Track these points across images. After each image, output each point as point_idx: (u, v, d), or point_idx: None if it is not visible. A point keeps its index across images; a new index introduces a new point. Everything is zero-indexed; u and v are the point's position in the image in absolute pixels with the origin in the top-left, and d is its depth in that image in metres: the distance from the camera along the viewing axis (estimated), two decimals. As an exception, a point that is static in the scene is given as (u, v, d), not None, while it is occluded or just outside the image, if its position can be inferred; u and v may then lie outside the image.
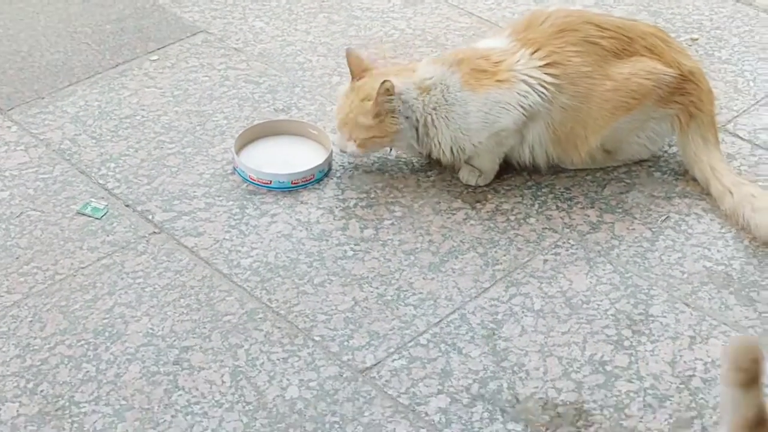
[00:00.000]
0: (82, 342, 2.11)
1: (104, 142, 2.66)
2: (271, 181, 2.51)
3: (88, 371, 2.04)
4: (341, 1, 3.28)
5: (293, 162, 2.56)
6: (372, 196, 2.51)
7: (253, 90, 2.86)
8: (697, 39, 3.11)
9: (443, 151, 2.50)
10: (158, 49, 3.04)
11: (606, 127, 2.47)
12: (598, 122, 2.46)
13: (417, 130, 2.47)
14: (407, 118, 2.45)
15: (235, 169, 2.56)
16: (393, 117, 2.43)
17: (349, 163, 2.61)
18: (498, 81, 2.42)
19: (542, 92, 2.42)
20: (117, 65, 2.96)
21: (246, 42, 3.07)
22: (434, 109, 2.45)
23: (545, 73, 2.42)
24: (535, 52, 2.44)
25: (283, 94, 2.85)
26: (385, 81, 2.37)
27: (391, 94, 2.39)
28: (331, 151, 2.58)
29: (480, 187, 2.53)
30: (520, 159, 2.55)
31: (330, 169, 2.59)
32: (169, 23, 3.16)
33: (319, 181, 2.54)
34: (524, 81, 2.41)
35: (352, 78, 2.52)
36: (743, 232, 2.38)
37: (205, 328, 2.14)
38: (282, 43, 3.05)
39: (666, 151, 2.65)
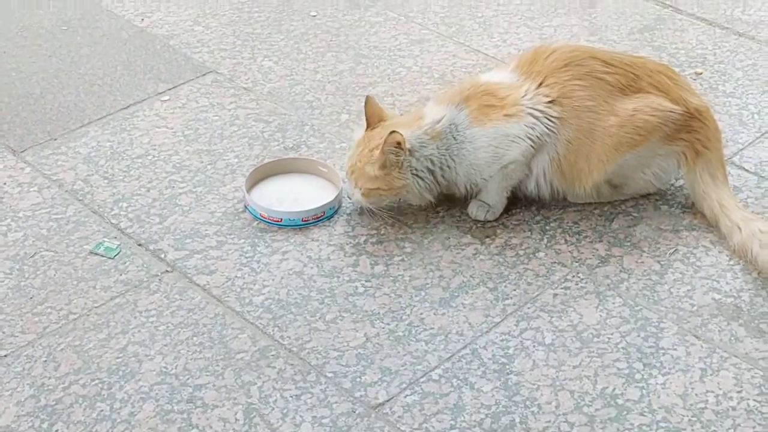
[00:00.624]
0: (96, 381, 2.10)
1: (116, 182, 2.67)
2: (281, 219, 2.52)
3: (102, 410, 2.04)
4: (348, 40, 3.30)
5: (303, 200, 2.57)
6: (382, 232, 2.51)
7: (262, 129, 2.87)
8: (701, 73, 3.12)
9: (458, 189, 2.52)
10: (169, 89, 3.05)
11: (610, 163, 2.46)
12: (602, 157, 2.46)
13: (434, 174, 2.47)
14: (426, 169, 2.45)
15: (246, 207, 2.57)
16: (400, 171, 2.42)
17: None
18: (506, 115, 2.43)
19: (548, 124, 2.43)
20: (128, 106, 2.98)
21: (255, 81, 3.09)
22: (447, 149, 2.46)
23: (551, 108, 2.43)
24: (540, 85, 2.45)
25: (293, 132, 2.86)
26: (393, 132, 2.37)
27: (400, 147, 2.39)
28: (341, 189, 2.59)
29: (489, 222, 2.54)
30: (527, 192, 2.56)
31: (340, 207, 2.59)
32: (180, 64, 3.18)
33: (329, 218, 2.55)
34: (531, 114, 2.43)
35: (367, 126, 2.52)
36: (751, 265, 2.38)
37: (218, 365, 2.14)
38: (291, 82, 3.07)
39: (673, 185, 2.65)
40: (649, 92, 2.47)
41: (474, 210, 2.55)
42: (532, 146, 2.44)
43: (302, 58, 3.21)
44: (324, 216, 2.54)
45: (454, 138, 2.45)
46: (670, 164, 2.55)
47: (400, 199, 2.54)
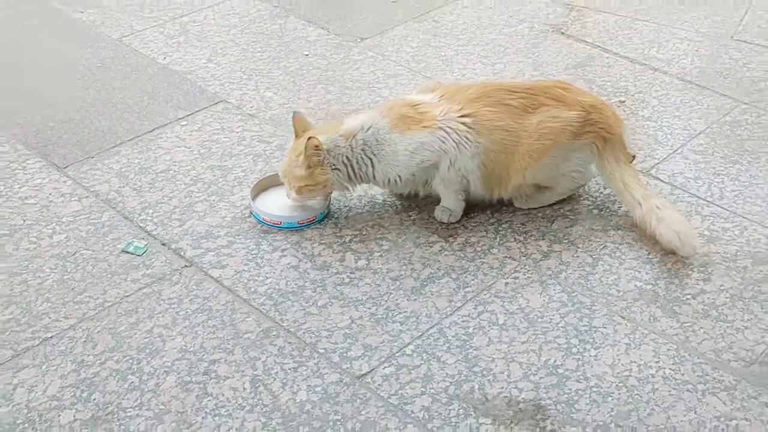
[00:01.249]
0: (128, 358, 2.08)
1: (144, 192, 2.65)
2: (281, 222, 2.50)
3: (132, 382, 2.02)
4: (335, 75, 3.28)
5: (299, 206, 2.55)
6: (364, 233, 2.50)
7: (265, 148, 2.85)
8: (624, 101, 3.12)
9: (377, 182, 2.49)
10: (187, 115, 3.03)
11: (528, 169, 2.44)
12: (520, 165, 2.43)
13: (351, 169, 2.45)
14: (342, 164, 2.43)
15: (251, 213, 2.55)
16: (322, 168, 2.41)
17: (345, 206, 2.60)
18: (423, 127, 2.41)
19: (459, 138, 2.40)
20: (153, 129, 2.95)
21: (258, 109, 3.07)
22: (362, 149, 2.43)
23: (461, 123, 2.41)
24: (454, 108, 2.43)
25: (290, 150, 2.84)
26: (311, 138, 2.38)
27: (319, 149, 2.39)
28: (330, 197, 2.58)
29: (452, 223, 2.52)
30: (477, 197, 2.54)
31: (329, 212, 2.58)
32: (195, 95, 3.15)
33: (320, 221, 2.53)
34: (442, 128, 2.41)
35: (295, 137, 2.51)
36: (666, 256, 2.39)
37: (228, 344, 2.12)
38: (288, 109, 3.04)
39: (602, 192, 2.65)
40: (549, 105, 2.46)
41: (438, 214, 2.54)
42: (446, 155, 2.41)
43: (297, 90, 3.19)
44: (316, 219, 2.52)
45: (376, 140, 2.42)
46: (586, 155, 2.51)
47: (329, 192, 2.52)
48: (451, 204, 2.52)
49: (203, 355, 2.09)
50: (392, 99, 2.62)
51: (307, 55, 3.42)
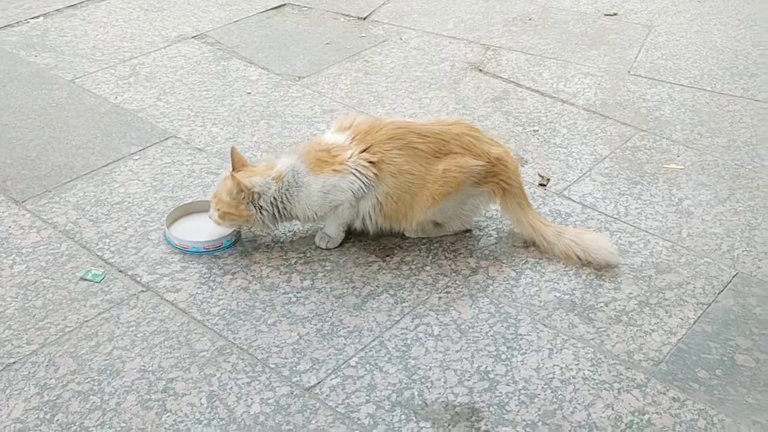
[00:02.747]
0: (89, 379, 2.01)
1: (100, 223, 2.58)
2: (188, 246, 2.44)
3: (94, 402, 1.95)
4: (276, 111, 3.26)
5: (211, 232, 2.48)
6: (308, 255, 2.47)
7: (213, 179, 2.80)
8: (537, 130, 3.17)
9: (299, 219, 2.46)
10: (139, 150, 2.96)
11: (430, 209, 2.41)
12: (423, 205, 2.40)
13: (276, 209, 2.40)
14: (269, 204, 2.38)
15: (165, 237, 2.49)
16: (246, 205, 2.37)
17: (290, 231, 2.57)
18: (334, 170, 2.38)
19: (366, 181, 2.37)
20: (108, 164, 2.88)
21: (206, 143, 3.02)
22: (287, 190, 2.39)
23: (369, 170, 2.37)
24: (364, 151, 2.39)
25: (237, 181, 2.80)
26: (232, 175, 2.35)
27: (241, 190, 2.34)
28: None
29: (329, 249, 2.48)
30: (355, 227, 2.51)
31: (238, 239, 2.51)
32: (147, 131, 3.09)
33: (227, 248, 2.47)
34: (352, 173, 2.37)
35: (233, 169, 2.44)
36: (581, 269, 2.42)
37: (185, 362, 2.07)
38: (234, 143, 3.01)
39: (522, 213, 2.67)
40: (457, 153, 2.42)
41: (318, 239, 2.50)
42: (353, 196, 2.39)
43: (241, 125, 3.15)
44: (222, 246, 2.46)
45: (296, 182, 2.38)
46: (482, 201, 2.51)
47: (250, 226, 2.45)
48: (332, 232, 2.48)
49: (161, 374, 2.04)
50: (310, 139, 2.55)
51: (249, 93, 3.39)
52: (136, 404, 1.95)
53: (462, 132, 2.47)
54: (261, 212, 2.39)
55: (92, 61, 3.63)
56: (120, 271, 2.38)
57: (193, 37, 3.86)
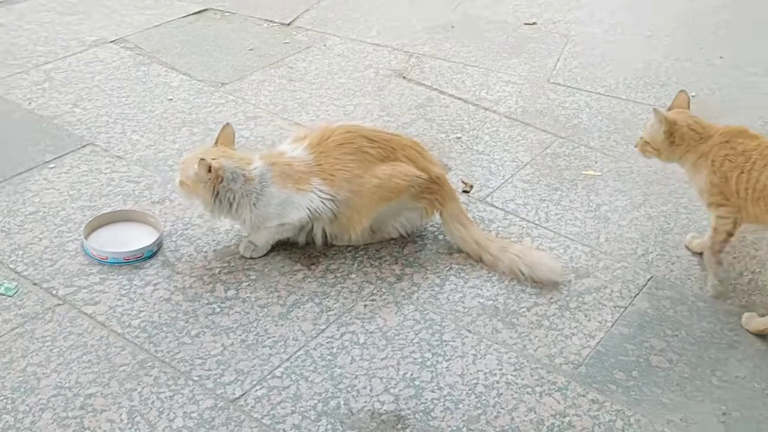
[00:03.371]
0: (2, 397, 1.94)
1: (13, 234, 2.48)
2: (107, 257, 2.38)
3: (7, 421, 1.88)
4: (199, 118, 3.20)
5: (130, 242, 2.43)
6: (232, 264, 2.44)
7: (134, 188, 2.74)
8: (460, 137, 3.20)
9: (245, 225, 2.43)
10: (55, 158, 2.87)
11: (373, 212, 2.44)
12: (368, 208, 2.42)
13: (230, 206, 2.37)
14: (226, 198, 2.35)
15: (83, 248, 2.43)
16: (205, 187, 2.33)
17: (213, 240, 2.53)
18: (298, 188, 2.38)
19: (325, 202, 2.38)
20: (21, 173, 2.78)
21: (126, 151, 2.95)
22: (247, 194, 2.36)
23: (327, 190, 2.38)
24: (323, 167, 2.39)
25: (158, 190, 2.74)
26: (202, 159, 2.29)
27: (209, 171, 2.30)
28: (161, 235, 2.47)
29: (253, 258, 2.45)
30: (297, 240, 2.51)
31: (160, 249, 2.46)
32: (63, 138, 2.99)
33: (148, 258, 2.41)
34: (313, 192, 2.38)
35: (215, 143, 2.43)
36: (503, 275, 2.45)
37: (104, 377, 2.02)
38: (155, 151, 2.95)
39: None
40: (402, 161, 2.46)
41: (242, 248, 2.47)
42: (309, 216, 2.39)
43: (163, 132, 3.09)
44: (143, 256, 2.40)
45: (260, 190, 2.37)
46: (415, 216, 2.54)
47: (198, 205, 2.42)
48: (261, 243, 2.46)
49: (79, 390, 1.97)
50: (270, 150, 2.53)
51: (171, 99, 3.33)
52: (52, 422, 1.88)
53: (409, 144, 2.52)
54: (216, 200, 2.35)
55: (4, 65, 3.50)
56: (35, 284, 2.30)
57: (111, 42, 3.77)
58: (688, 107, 2.53)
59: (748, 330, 2.32)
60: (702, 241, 2.55)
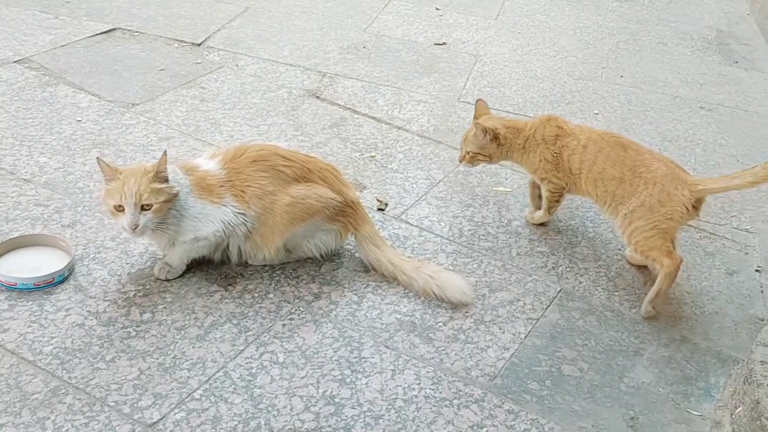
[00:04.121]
0: None
1: None
2: (16, 283, 2.32)
3: None
4: (110, 139, 3.15)
5: (41, 267, 2.38)
6: (147, 287, 2.41)
7: (42, 211, 2.67)
8: (374, 156, 3.25)
9: (161, 241, 2.41)
10: (-43, 182, 2.78)
11: (287, 232, 2.45)
12: (281, 227, 2.44)
13: (170, 209, 2.33)
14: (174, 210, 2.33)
15: None
16: (167, 188, 2.30)
17: (127, 263, 2.49)
18: (212, 201, 2.38)
19: (237, 215, 2.40)
20: None
21: (33, 174, 2.87)
22: (177, 202, 2.34)
23: (240, 203, 2.40)
24: (234, 182, 2.41)
25: (68, 213, 2.68)
26: (165, 153, 2.29)
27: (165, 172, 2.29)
28: (72, 259, 2.42)
29: (169, 280, 2.43)
30: (213, 258, 2.51)
31: (71, 273, 2.41)
32: (-34, 161, 2.91)
33: (59, 283, 2.36)
34: (225, 205, 2.39)
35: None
36: (440, 300, 2.47)
37: (15, 406, 1.96)
38: (64, 173, 2.89)
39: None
40: (318, 183, 2.49)
41: (157, 270, 2.44)
42: (223, 230, 2.40)
43: (72, 154, 3.02)
44: (54, 281, 2.35)
45: (182, 197, 2.35)
46: (329, 238, 2.56)
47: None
48: (176, 263, 2.45)
49: (-11, 420, 1.92)
50: (186, 162, 2.50)
51: (79, 120, 3.26)
52: (-39, 455, 1.83)
53: (325, 168, 2.55)
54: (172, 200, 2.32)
55: None
56: (-61, 313, 2.22)
57: (15, 62, 3.67)
58: (489, 112, 2.95)
59: (631, 264, 2.73)
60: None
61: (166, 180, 2.30)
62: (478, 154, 2.81)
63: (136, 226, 2.26)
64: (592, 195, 2.70)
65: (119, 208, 2.27)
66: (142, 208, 2.26)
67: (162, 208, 2.29)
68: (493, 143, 2.79)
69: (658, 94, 4.11)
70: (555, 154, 2.74)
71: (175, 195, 2.32)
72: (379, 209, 2.89)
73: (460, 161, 2.87)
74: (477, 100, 2.94)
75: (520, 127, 2.82)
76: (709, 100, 4.11)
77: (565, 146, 2.73)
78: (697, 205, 2.53)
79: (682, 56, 4.66)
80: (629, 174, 2.58)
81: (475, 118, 2.88)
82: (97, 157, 2.29)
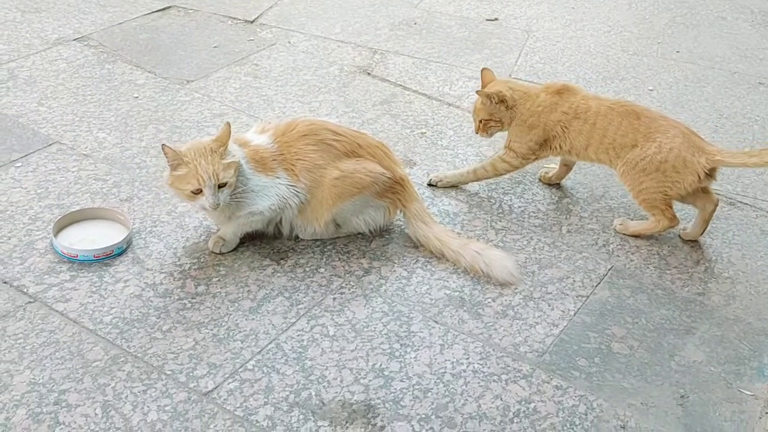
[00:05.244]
0: (-24, 395, 1.96)
1: (-19, 233, 2.49)
2: (77, 255, 2.39)
3: (-18, 418, 1.90)
4: (165, 116, 3.22)
5: (100, 240, 2.45)
6: (202, 260, 2.47)
7: (101, 186, 2.75)
8: (425, 132, 3.26)
9: (220, 216, 2.45)
10: (21, 157, 2.87)
11: (336, 206, 2.47)
12: (329, 201, 2.46)
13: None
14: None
15: (52, 246, 2.44)
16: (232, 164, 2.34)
17: (183, 237, 2.56)
18: (267, 174, 2.42)
19: (289, 187, 2.44)
20: (-13, 172, 2.78)
21: (93, 149, 2.96)
22: (241, 174, 2.39)
23: (291, 178, 2.44)
24: (285, 158, 2.44)
25: (126, 187, 2.75)
26: (227, 124, 2.34)
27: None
28: (130, 232, 2.49)
29: (223, 253, 2.48)
30: (266, 232, 2.55)
31: (129, 246, 2.47)
32: (29, 137, 2.99)
33: (118, 255, 2.43)
34: (279, 178, 2.43)
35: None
36: (485, 277, 2.47)
37: (77, 373, 2.04)
38: (122, 149, 2.96)
39: (411, 214, 2.75)
40: (367, 159, 2.51)
41: (211, 243, 2.49)
42: (277, 204, 2.44)
43: (129, 130, 3.10)
44: (113, 254, 2.42)
45: (242, 171, 2.39)
46: (378, 214, 2.58)
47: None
48: (230, 237, 2.49)
49: (53, 386, 2.00)
50: (234, 135, 2.50)
51: (136, 97, 3.33)
52: (27, 418, 1.91)
53: (375, 144, 2.57)
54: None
55: (-34, 64, 3.48)
56: (5, 282, 2.30)
57: (74, 40, 3.76)
58: (495, 78, 2.90)
59: (625, 234, 2.72)
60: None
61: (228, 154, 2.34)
62: (490, 120, 2.81)
63: (218, 204, 2.33)
64: (605, 162, 2.72)
65: (198, 192, 2.32)
66: (219, 186, 2.32)
67: (234, 182, 2.35)
68: (501, 107, 2.77)
69: (716, 69, 4.02)
70: (563, 127, 2.73)
71: (239, 166, 2.36)
72: (430, 185, 2.90)
73: (477, 132, 2.88)
74: (482, 69, 2.90)
75: (529, 92, 2.80)
76: (769, 75, 4.01)
77: (575, 118, 2.71)
78: (711, 173, 2.58)
79: (742, 30, 4.55)
80: (642, 140, 2.60)
81: (483, 87, 2.86)
82: (162, 144, 2.33)
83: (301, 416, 1.98)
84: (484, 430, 1.99)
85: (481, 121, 2.83)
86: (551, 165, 3.01)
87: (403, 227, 2.67)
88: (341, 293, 2.38)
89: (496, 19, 4.42)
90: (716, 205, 2.66)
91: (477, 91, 2.81)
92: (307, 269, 2.47)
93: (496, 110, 2.79)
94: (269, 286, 2.38)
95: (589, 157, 2.74)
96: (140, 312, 2.25)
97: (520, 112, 2.78)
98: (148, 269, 2.41)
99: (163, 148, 2.32)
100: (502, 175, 2.87)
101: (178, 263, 2.45)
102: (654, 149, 2.57)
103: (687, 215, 2.79)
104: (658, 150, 2.56)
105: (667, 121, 2.65)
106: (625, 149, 2.63)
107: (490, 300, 2.39)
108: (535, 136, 2.76)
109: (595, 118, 2.68)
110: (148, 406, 1.96)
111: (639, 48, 4.21)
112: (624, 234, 2.71)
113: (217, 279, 2.39)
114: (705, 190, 2.64)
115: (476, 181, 2.90)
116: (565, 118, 2.72)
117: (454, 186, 2.90)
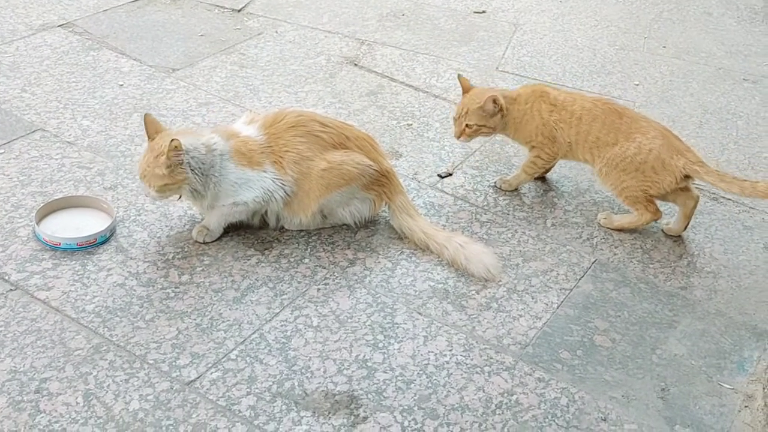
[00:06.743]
0: (-44, 383, 1.94)
1: (-38, 220, 2.47)
2: (60, 243, 2.38)
3: (-38, 406, 1.89)
4: (150, 104, 3.20)
5: (83, 228, 2.44)
6: (186, 249, 2.46)
7: (85, 174, 2.73)
8: (411, 124, 3.25)
9: (203, 203, 2.44)
10: (3, 144, 2.84)
11: (323, 196, 2.48)
12: (316, 192, 2.47)
13: (205, 175, 2.37)
14: (198, 169, 2.35)
15: (34, 233, 2.42)
16: (181, 168, 2.32)
17: (167, 226, 2.54)
18: (252, 168, 2.42)
19: (275, 181, 2.43)
20: (-31, 158, 2.76)
21: (77, 137, 2.93)
22: (212, 166, 2.39)
23: (279, 172, 2.43)
24: (273, 150, 2.44)
25: (110, 175, 2.74)
26: (173, 140, 2.28)
27: (178, 150, 2.29)
28: (114, 220, 2.48)
29: (207, 243, 2.48)
30: (251, 223, 2.55)
31: (113, 234, 2.46)
32: (11, 123, 2.96)
33: (101, 244, 2.42)
34: (266, 172, 2.43)
35: (149, 138, 2.38)
36: (464, 271, 2.48)
37: (59, 362, 2.03)
38: (106, 137, 2.94)
39: (397, 205, 2.75)
40: (354, 151, 2.52)
41: (195, 233, 2.49)
42: (263, 196, 2.44)
43: (114, 118, 3.08)
44: (96, 242, 2.41)
45: (220, 161, 2.39)
46: (364, 206, 2.58)
47: (180, 196, 2.43)
48: (213, 226, 2.49)
49: (34, 374, 1.98)
50: (224, 126, 2.53)
51: (122, 85, 3.31)
52: (8, 406, 1.89)
53: (362, 136, 2.57)
54: (194, 173, 2.34)
55: (-51, 49, 3.45)
56: (-14, 270, 2.29)
57: (59, 26, 3.73)
58: (470, 86, 2.85)
59: (609, 228, 2.73)
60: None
61: (178, 163, 2.31)
62: (483, 126, 2.76)
63: (154, 198, 2.40)
64: (589, 161, 2.74)
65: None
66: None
67: (165, 190, 2.34)
68: (497, 114, 2.74)
69: (701, 65, 4.04)
70: (551, 128, 2.74)
71: (182, 180, 2.33)
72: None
73: (458, 137, 2.80)
74: (458, 76, 2.86)
75: (514, 97, 2.79)
76: (754, 72, 4.03)
77: (559, 119, 2.72)
78: (688, 176, 2.61)
79: (728, 26, 4.57)
80: (623, 139, 2.63)
81: (464, 92, 2.81)
82: (145, 114, 2.34)
83: (284, 406, 1.98)
84: (467, 421, 2.00)
85: (468, 126, 2.76)
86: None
87: (388, 219, 2.66)
88: (325, 284, 2.38)
89: (483, 12, 4.42)
90: (697, 202, 2.68)
91: (490, 96, 2.72)
92: (292, 260, 2.46)
93: (493, 117, 2.74)
94: (253, 276, 2.38)
95: (576, 157, 2.78)
96: (123, 301, 2.24)
97: (512, 116, 2.78)
98: (131, 258, 2.39)
99: (145, 117, 2.38)
100: (547, 164, 2.88)
101: (161, 252, 2.43)
102: (633, 149, 2.59)
103: (670, 210, 2.80)
104: (638, 150, 2.58)
105: (647, 122, 2.66)
106: (606, 148, 2.65)
107: (473, 292, 2.40)
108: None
109: (581, 113, 2.69)
110: (130, 395, 1.96)
111: (626, 42, 4.22)
112: (608, 228, 2.72)
113: (200, 268, 2.39)
114: (685, 189, 2.66)
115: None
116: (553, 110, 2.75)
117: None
